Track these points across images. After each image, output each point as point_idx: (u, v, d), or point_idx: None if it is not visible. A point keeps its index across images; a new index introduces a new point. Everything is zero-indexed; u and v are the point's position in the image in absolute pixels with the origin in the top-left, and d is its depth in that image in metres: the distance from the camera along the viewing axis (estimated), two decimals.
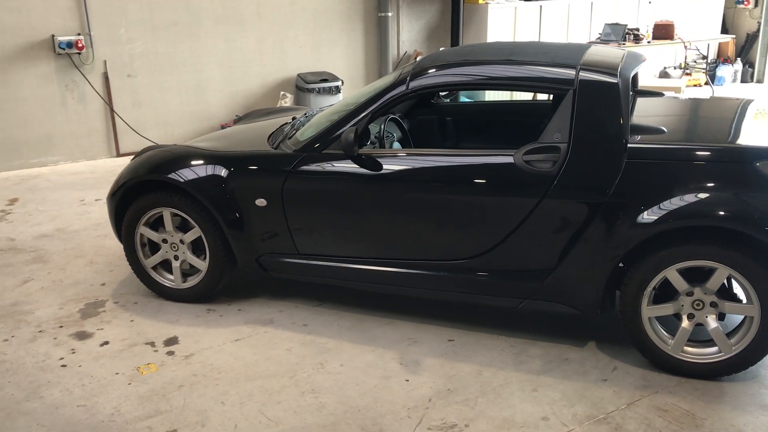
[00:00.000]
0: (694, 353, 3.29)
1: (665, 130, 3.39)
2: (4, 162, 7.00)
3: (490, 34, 9.07)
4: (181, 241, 4.03)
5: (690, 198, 3.11)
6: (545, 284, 3.42)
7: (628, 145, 3.25)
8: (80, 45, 7.02)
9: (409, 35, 9.14)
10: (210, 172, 3.89)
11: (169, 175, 3.89)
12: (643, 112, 3.82)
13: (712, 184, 3.11)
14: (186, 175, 3.89)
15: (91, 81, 7.26)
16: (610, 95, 3.32)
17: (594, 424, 2.99)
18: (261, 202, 3.82)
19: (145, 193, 4.03)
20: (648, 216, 3.15)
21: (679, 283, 3.20)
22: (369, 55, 8.86)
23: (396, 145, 4.12)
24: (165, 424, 3.03)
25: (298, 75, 8.24)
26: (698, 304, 3.24)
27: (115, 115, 7.47)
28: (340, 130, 3.69)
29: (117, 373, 3.43)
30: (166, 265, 4.16)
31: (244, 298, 4.20)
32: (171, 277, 4.15)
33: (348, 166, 3.66)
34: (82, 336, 3.80)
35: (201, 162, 3.93)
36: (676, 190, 3.15)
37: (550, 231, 3.36)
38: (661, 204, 3.14)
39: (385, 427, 2.99)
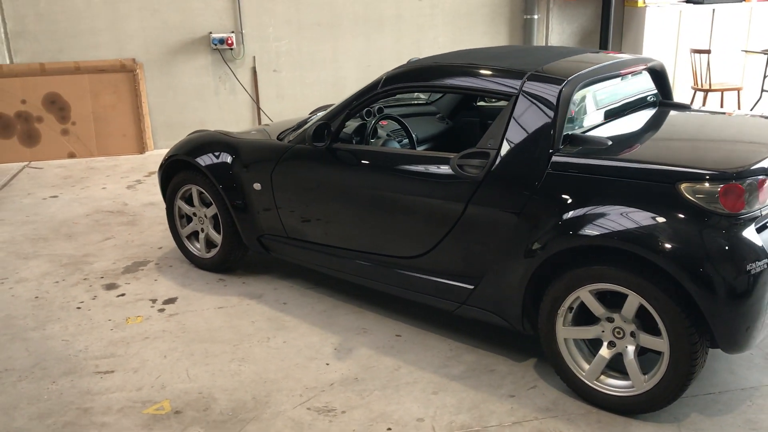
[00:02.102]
0: (608, 384, 3.06)
1: (609, 143, 3.17)
2: (164, 140, 8.14)
3: (647, 38, 8.53)
4: (205, 216, 4.55)
5: (599, 217, 2.92)
6: (477, 291, 3.39)
7: (553, 157, 3.11)
8: (230, 42, 7.92)
9: (559, 38, 8.90)
10: (222, 159, 4.36)
11: (196, 159, 4.42)
12: (631, 125, 3.56)
13: (625, 204, 2.89)
14: (206, 159, 4.39)
15: (241, 74, 8.16)
16: (544, 105, 3.19)
17: None
18: (257, 186, 4.20)
19: (181, 170, 4.61)
20: (557, 232, 3.00)
21: (595, 306, 3.01)
22: None
23: (393, 143, 4.25)
24: (110, 365, 3.55)
25: None
26: (619, 332, 3.02)
27: (259, 105, 8.31)
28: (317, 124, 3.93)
29: (109, 320, 4.04)
30: (198, 236, 4.72)
31: (256, 273, 4.61)
32: (198, 246, 4.70)
33: (318, 159, 3.91)
34: (110, 287, 4.48)
35: (218, 148, 4.41)
36: (588, 207, 2.97)
37: (477, 238, 3.32)
38: (571, 220, 2.98)
39: (273, 400, 3.22)
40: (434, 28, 8.51)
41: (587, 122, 3.43)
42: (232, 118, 8.29)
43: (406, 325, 3.87)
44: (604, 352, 3.05)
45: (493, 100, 4.49)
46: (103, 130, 7.95)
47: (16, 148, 7.81)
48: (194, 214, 4.63)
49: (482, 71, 3.49)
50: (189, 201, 4.66)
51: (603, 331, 3.05)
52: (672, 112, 3.82)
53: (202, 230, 4.62)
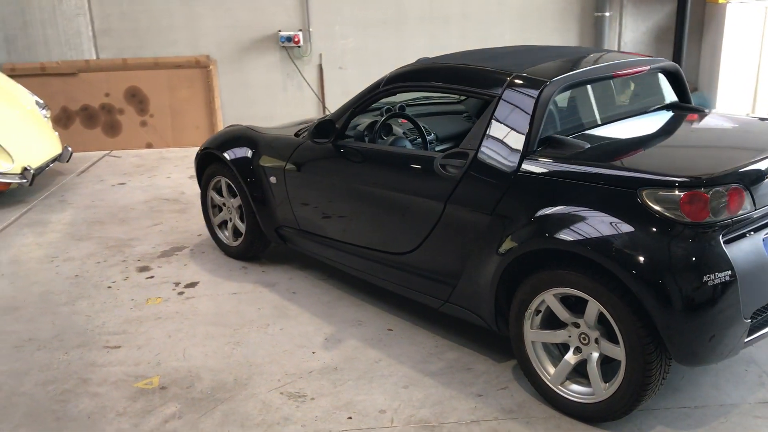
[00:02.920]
0: (572, 390, 3.03)
1: (586, 146, 3.12)
2: None
3: (727, 39, 8.11)
4: (232, 206, 4.80)
5: (561, 220, 2.89)
6: (457, 289, 3.43)
7: (525, 160, 3.10)
8: (296, 39, 8.19)
9: (633, 36, 8.61)
10: (245, 153, 4.57)
11: (223, 152, 4.66)
12: (623, 129, 3.47)
13: (588, 209, 2.85)
14: (232, 153, 4.62)
15: (308, 71, 8.42)
16: (522, 107, 3.18)
17: (420, 428, 3.01)
18: (273, 179, 4.39)
19: (213, 162, 4.87)
20: (522, 234, 3.00)
21: (559, 310, 2.99)
22: None
23: (404, 142, 4.31)
24: (119, 341, 3.84)
25: None
26: (584, 338, 2.98)
27: (325, 101, 8.54)
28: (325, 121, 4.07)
29: (132, 300, 4.34)
30: (227, 225, 4.97)
31: (276, 263, 4.81)
32: (227, 235, 4.95)
33: (323, 155, 4.05)
34: (143, 269, 4.81)
35: (242, 143, 4.62)
36: (553, 211, 2.95)
37: (455, 237, 3.36)
38: (535, 223, 2.97)
39: (252, 382, 3.39)
40: (500, 25, 8.44)
41: (574, 124, 3.39)
42: (299, 114, 8.55)
43: (399, 320, 3.94)
44: (570, 357, 3.02)
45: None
46: (179, 123, 8.42)
47: (99, 137, 8.41)
48: (224, 204, 4.88)
49: (472, 72, 3.51)
50: (220, 191, 4.91)
51: (570, 336, 3.02)
52: (677, 116, 3.69)
53: (230, 220, 4.87)
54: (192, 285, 4.52)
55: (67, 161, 7.23)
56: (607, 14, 8.32)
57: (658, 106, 3.82)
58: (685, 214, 2.67)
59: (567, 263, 2.90)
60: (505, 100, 3.26)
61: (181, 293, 4.41)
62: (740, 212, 2.77)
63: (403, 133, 4.31)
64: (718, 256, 2.66)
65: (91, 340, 3.86)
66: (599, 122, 3.51)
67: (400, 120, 4.41)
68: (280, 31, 8.25)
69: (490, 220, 3.16)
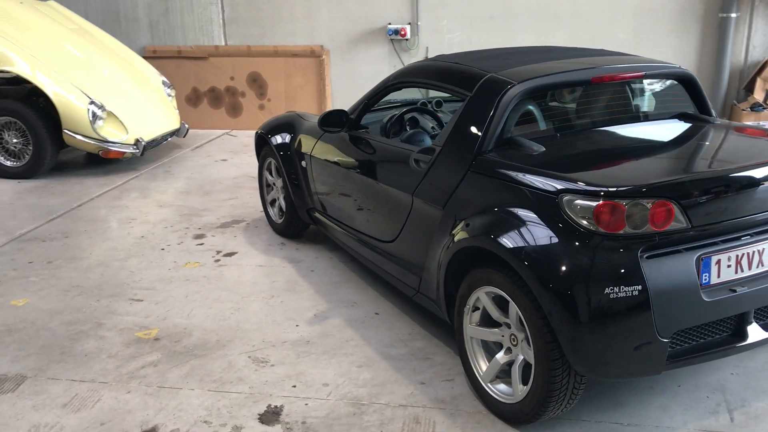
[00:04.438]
0: (498, 388, 3.06)
1: (541, 149, 3.11)
2: None
3: None
4: (278, 186, 5.18)
5: (492, 220, 2.94)
6: (423, 281, 3.55)
7: (476, 159, 3.16)
8: (403, 32, 8.43)
9: (764, 40, 7.95)
10: (286, 138, 4.92)
11: (270, 136, 5.05)
12: (597, 134, 3.40)
13: (514, 211, 2.87)
14: (277, 138, 4.99)
15: None
16: (484, 107, 3.23)
17: (349, 404, 3.19)
18: (303, 163, 4.71)
19: (266, 144, 5.27)
20: (460, 231, 3.07)
21: (491, 309, 3.03)
22: (704, 60, 8.07)
23: (421, 137, 4.43)
24: (144, 295, 4.34)
25: None
26: (514, 339, 3.01)
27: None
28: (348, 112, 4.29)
29: (174, 262, 4.85)
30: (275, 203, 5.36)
31: (313, 242, 5.12)
32: (274, 212, 5.34)
33: (336, 143, 4.30)
34: (198, 236, 5.32)
35: (286, 129, 4.97)
36: (489, 210, 2.99)
37: (421, 229, 3.48)
38: (472, 220, 3.03)
39: (231, 344, 3.72)
40: (613, 24, 8.14)
41: (545, 126, 3.37)
42: None
43: (390, 305, 4.10)
44: (501, 356, 3.05)
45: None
46: (292, 108, 8.98)
47: (223, 117, 9.18)
48: (273, 184, 5.27)
49: (456, 72, 3.59)
50: (271, 172, 5.31)
51: (503, 336, 3.05)
52: (674, 125, 3.53)
53: (277, 199, 5.25)
54: (230, 254, 4.95)
55: (184, 136, 8.01)
56: (734, 15, 7.76)
57: (666, 114, 3.67)
58: (598, 224, 2.63)
59: (495, 263, 2.94)
60: (473, 100, 3.32)
61: (217, 260, 4.85)
62: (669, 228, 2.66)
63: (432, 127, 4.44)
64: (627, 270, 2.59)
65: (122, 291, 4.39)
66: (585, 126, 3.46)
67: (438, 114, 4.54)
68: (389, 24, 8.53)
69: (443, 215, 3.26)
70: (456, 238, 3.07)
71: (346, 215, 4.28)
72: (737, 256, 2.78)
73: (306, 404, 3.19)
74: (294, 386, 3.33)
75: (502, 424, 3.02)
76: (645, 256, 2.63)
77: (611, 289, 2.56)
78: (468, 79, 3.43)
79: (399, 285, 3.81)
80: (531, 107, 3.44)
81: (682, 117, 3.64)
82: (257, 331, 3.86)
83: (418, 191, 3.44)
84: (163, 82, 8.01)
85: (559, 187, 2.75)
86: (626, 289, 2.57)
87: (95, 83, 7.08)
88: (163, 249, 5.08)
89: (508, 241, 2.79)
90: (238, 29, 8.99)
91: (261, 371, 3.46)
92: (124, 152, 7.04)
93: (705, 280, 2.73)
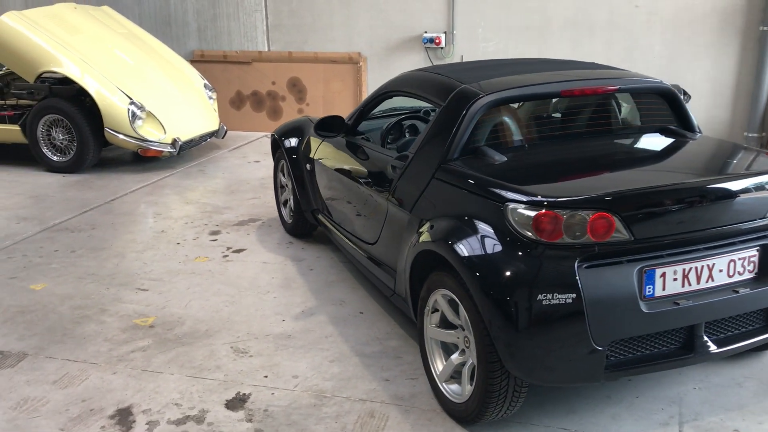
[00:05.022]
0: (450, 388, 3.17)
1: (503, 159, 3.21)
2: None
3: None
4: (288, 187, 5.39)
5: (446, 225, 3.05)
6: (396, 283, 3.68)
7: (442, 165, 3.28)
8: (438, 41, 8.55)
9: None
10: (295, 141, 5.13)
11: (283, 140, 5.27)
12: (563, 146, 3.47)
13: (468, 217, 2.98)
14: (288, 141, 5.20)
15: None
16: (453, 116, 3.35)
17: (313, 396, 3.35)
18: (308, 166, 4.90)
19: (279, 147, 5.50)
20: (422, 236, 3.19)
21: (447, 311, 3.15)
22: (743, 75, 7.89)
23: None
24: (149, 285, 4.60)
25: None
26: (467, 341, 3.12)
27: None
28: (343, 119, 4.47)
29: (186, 256, 5.12)
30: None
31: (320, 242, 5.30)
32: (285, 212, 5.56)
33: (333, 147, 4.47)
34: (214, 233, 5.59)
35: (296, 133, 5.18)
36: (444, 215, 3.11)
37: (394, 233, 3.61)
38: (430, 225, 3.15)
39: (218, 335, 3.94)
40: (650, 36, 8.06)
41: (518, 137, 3.46)
42: None
43: (376, 305, 4.25)
44: (455, 357, 3.16)
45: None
46: (329, 113, 9.19)
47: (264, 120, 9.49)
48: (286, 185, 5.49)
49: (435, 82, 3.71)
50: (284, 174, 5.52)
51: (458, 338, 3.16)
52: (648, 139, 3.56)
53: (288, 200, 5.46)
54: (239, 251, 5.19)
55: (222, 137, 8.34)
56: None
57: (645, 128, 3.70)
58: (537, 233, 2.72)
59: (448, 267, 3.05)
60: (444, 109, 3.44)
61: (225, 256, 5.10)
62: (610, 239, 2.73)
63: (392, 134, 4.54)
64: (562, 278, 2.66)
65: (132, 281, 4.68)
66: (557, 138, 3.53)
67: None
68: (425, 32, 8.66)
69: (409, 219, 3.39)
70: (418, 242, 3.20)
71: (340, 217, 4.45)
72: (684, 270, 2.82)
73: (272, 393, 3.36)
74: (266, 376, 3.52)
75: (451, 422, 3.12)
76: (584, 265, 2.70)
77: (544, 296, 2.64)
78: (443, 90, 3.55)
79: (380, 285, 3.95)
80: (505, 118, 3.53)
81: (662, 131, 3.66)
82: (244, 323, 4.06)
83: (392, 196, 3.58)
84: (205, 85, 8.36)
85: (505, 196, 2.84)
86: (560, 296, 2.64)
87: (137, 85, 7.47)
88: (178, 243, 5.36)
89: (456, 246, 2.90)
90: (280, 36, 9.28)
91: (239, 361, 3.66)
92: (162, 151, 7.40)
93: (649, 292, 2.77)
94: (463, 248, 2.86)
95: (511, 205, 2.80)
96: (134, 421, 3.17)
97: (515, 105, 3.70)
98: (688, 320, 2.83)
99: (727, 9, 7.74)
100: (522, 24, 8.39)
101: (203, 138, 7.98)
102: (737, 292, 2.88)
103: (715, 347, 2.94)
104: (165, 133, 7.40)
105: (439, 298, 3.13)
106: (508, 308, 2.68)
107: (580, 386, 3.32)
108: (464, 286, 2.88)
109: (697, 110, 7.91)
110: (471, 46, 8.61)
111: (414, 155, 3.49)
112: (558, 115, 3.76)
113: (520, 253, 2.73)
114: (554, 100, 3.85)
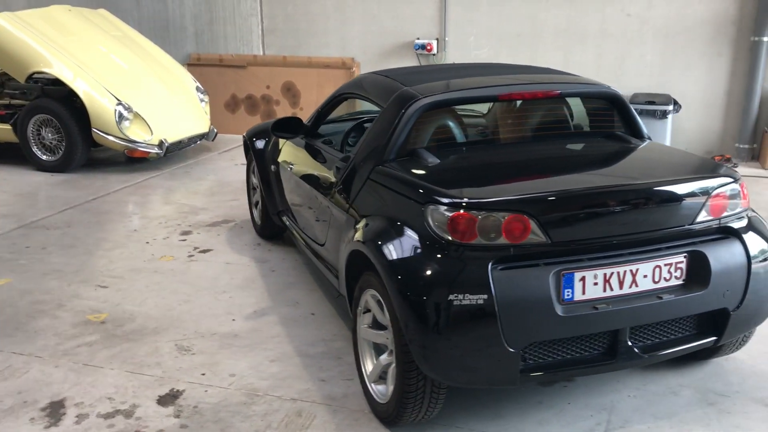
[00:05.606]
0: (377, 389, 3.16)
1: (436, 161, 3.21)
2: None
3: None
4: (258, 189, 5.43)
5: (372, 225, 3.06)
6: (339, 283, 3.68)
7: (377, 166, 3.28)
8: (429, 47, 8.57)
9: None
10: (263, 144, 5.16)
11: (252, 141, 5.30)
12: (501, 149, 3.47)
13: (393, 217, 2.99)
14: (257, 143, 5.23)
15: None
16: (389, 119, 3.36)
17: (245, 394, 3.35)
18: (273, 167, 4.93)
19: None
20: (354, 236, 3.20)
21: (376, 311, 3.14)
22: (735, 84, 7.80)
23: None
24: (110, 283, 4.64)
25: (634, 94, 8.00)
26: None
27: None
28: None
29: (152, 255, 5.16)
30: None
31: (287, 244, 5.32)
32: (256, 214, 5.59)
33: (294, 148, 4.50)
34: (185, 233, 5.62)
35: (264, 135, 5.21)
36: (373, 216, 3.12)
37: (337, 234, 3.62)
38: (362, 226, 3.16)
39: (165, 332, 3.95)
40: (642, 45, 8.00)
41: (460, 140, 3.47)
42: None
43: (329, 307, 4.25)
44: (384, 358, 3.14)
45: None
46: None
47: (258, 123, 9.54)
48: (256, 187, 5.52)
49: (380, 85, 3.72)
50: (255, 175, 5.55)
51: (387, 339, 3.15)
52: (588, 144, 3.54)
53: (258, 201, 5.49)
54: (205, 251, 5.22)
55: (212, 140, 8.41)
56: (766, 39, 7.49)
57: (591, 134, 3.68)
58: (452, 234, 2.71)
59: (374, 267, 3.05)
60: (384, 112, 3.45)
61: (191, 256, 5.13)
62: (525, 242, 2.71)
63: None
64: (474, 279, 2.65)
65: (94, 278, 4.73)
66: (498, 141, 3.53)
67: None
68: (418, 38, 8.68)
69: (346, 219, 3.39)
70: (351, 242, 3.20)
71: (299, 218, 4.47)
72: (606, 274, 2.79)
73: (206, 391, 3.38)
74: (203, 374, 3.53)
75: (377, 423, 3.11)
76: (499, 267, 2.69)
77: (455, 297, 2.63)
78: (386, 93, 3.56)
79: (330, 287, 3.95)
80: (448, 122, 3.53)
81: (608, 137, 3.64)
82: (194, 322, 4.09)
83: (334, 196, 3.59)
84: (197, 88, 8.44)
85: (425, 198, 2.84)
86: (471, 297, 2.63)
87: (126, 86, 7.56)
88: (147, 242, 5.41)
89: (377, 246, 2.90)
90: (275, 40, 9.35)
91: (180, 358, 3.68)
92: (149, 152, 7.47)
93: (568, 296, 2.75)
94: (384, 249, 2.87)
95: (430, 207, 2.79)
96: (64, 414, 3.20)
97: (459, 109, 3.70)
98: (608, 325, 2.80)
99: (719, 19, 7.67)
100: (514, 32, 8.38)
101: (192, 140, 8.05)
102: (661, 298, 2.85)
103: (640, 353, 2.90)
104: (152, 134, 7.47)
105: (369, 298, 3.13)
106: (420, 309, 2.67)
107: (513, 391, 3.30)
108: (385, 285, 2.88)
109: (688, 120, 7.85)
110: (463, 54, 8.61)
111: (354, 156, 3.50)
112: (503, 119, 3.75)
113: (435, 254, 2.72)
114: (500, 104, 3.84)
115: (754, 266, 3.00)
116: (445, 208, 2.74)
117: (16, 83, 7.69)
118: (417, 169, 3.15)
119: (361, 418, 3.15)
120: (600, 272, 2.78)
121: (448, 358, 2.69)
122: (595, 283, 2.78)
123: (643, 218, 2.86)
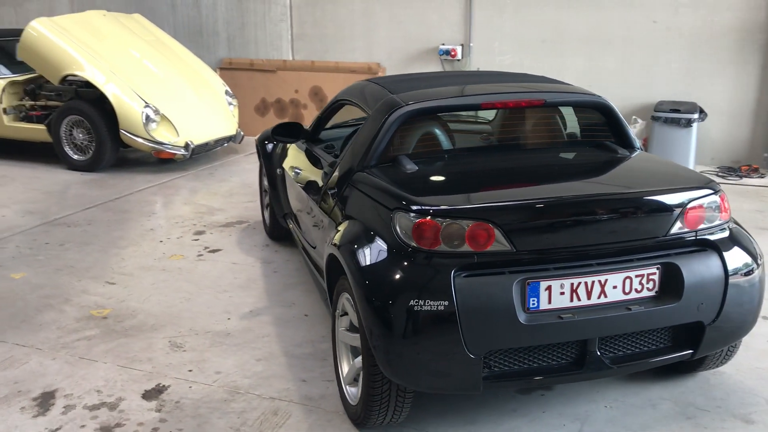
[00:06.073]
0: (350, 391, 3.21)
1: (414, 168, 3.25)
2: None
3: None
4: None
5: (348, 231, 3.12)
6: (327, 287, 3.75)
7: (357, 172, 3.34)
8: (453, 53, 8.59)
9: None
10: (272, 147, 5.28)
11: (264, 144, 5.41)
12: (486, 157, 3.49)
13: (366, 223, 3.04)
14: (267, 147, 5.35)
15: None
16: (372, 126, 3.42)
17: (227, 391, 3.45)
18: (279, 171, 5.03)
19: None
20: (333, 240, 3.26)
21: (352, 314, 3.19)
22: (764, 92, 7.62)
23: None
24: (118, 279, 4.81)
25: (659, 102, 7.89)
26: None
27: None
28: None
29: (163, 253, 5.31)
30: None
31: (294, 245, 5.42)
32: (267, 216, 5.70)
33: (296, 152, 4.60)
34: (198, 233, 5.77)
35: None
36: (349, 220, 3.18)
37: (323, 239, 3.69)
38: (339, 230, 3.22)
39: (162, 329, 4.08)
40: (668, 52, 7.88)
41: (446, 147, 3.51)
42: None
43: (323, 308, 4.31)
44: (358, 361, 3.18)
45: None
46: None
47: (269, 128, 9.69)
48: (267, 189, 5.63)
49: (369, 92, 3.78)
50: None
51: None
52: (574, 153, 3.53)
53: (269, 203, 5.61)
54: (214, 251, 5.36)
55: (239, 143, 8.59)
56: None
57: (579, 143, 3.68)
58: (416, 241, 2.75)
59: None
60: (369, 118, 3.51)
61: (200, 255, 5.27)
62: (489, 249, 2.74)
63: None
64: (436, 286, 2.68)
65: (104, 274, 4.90)
66: (481, 149, 3.55)
67: None
68: (442, 44, 8.71)
69: (328, 223, 3.47)
70: (329, 245, 3.27)
71: (297, 221, 4.56)
72: (573, 284, 2.79)
73: (190, 387, 3.48)
74: (190, 371, 3.64)
75: (349, 425, 3.17)
76: (462, 274, 2.71)
77: (416, 302, 2.67)
78: (373, 100, 3.62)
79: (320, 290, 4.03)
80: (433, 129, 3.57)
81: (598, 147, 3.62)
82: (190, 319, 4.21)
83: (321, 201, 3.66)
84: (226, 92, 8.63)
85: (394, 204, 2.89)
86: (432, 303, 2.66)
87: (155, 89, 7.78)
88: (161, 241, 5.57)
89: (348, 251, 2.97)
90: (304, 45, 9.49)
91: (171, 355, 3.80)
92: (175, 153, 7.67)
93: (533, 304, 2.76)
94: (352, 254, 2.92)
95: (398, 213, 2.84)
96: (53, 404, 3.34)
97: (446, 117, 3.73)
98: (573, 335, 2.80)
99: (748, 26, 7.51)
100: (538, 37, 8.34)
101: (219, 142, 8.23)
102: (630, 309, 2.84)
103: (610, 364, 2.90)
104: (178, 136, 7.67)
105: (345, 301, 3.18)
106: (383, 314, 2.72)
107: (490, 398, 3.32)
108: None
109: (714, 129, 7.71)
110: (487, 59, 8.60)
111: (340, 162, 3.57)
112: (496, 127, 3.77)
113: (399, 261, 2.77)
114: (500, 112, 3.87)
115: (731, 280, 2.96)
116: (412, 214, 2.78)
117: (52, 85, 7.98)
118: (393, 175, 3.19)
119: (334, 419, 3.21)
120: (567, 282, 2.78)
121: (410, 364, 2.73)
122: (562, 293, 2.78)
123: (613, 229, 2.85)
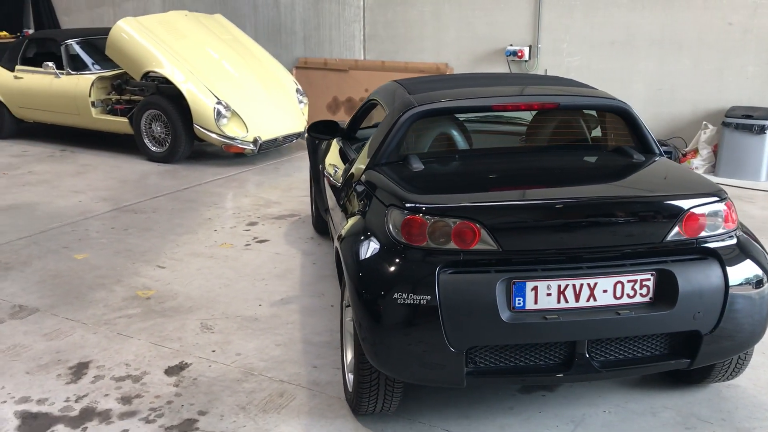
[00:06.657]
0: (350, 379, 3.36)
1: (420, 168, 3.35)
2: None
3: None
4: None
5: (350, 225, 3.26)
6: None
7: (367, 169, 3.48)
8: (521, 54, 8.56)
9: None
10: (317, 144, 5.48)
11: (312, 140, 5.63)
12: (495, 159, 3.54)
13: (362, 218, 3.18)
14: (314, 142, 5.57)
15: None
16: (386, 125, 3.55)
17: (241, 371, 3.66)
18: (321, 166, 5.24)
19: None
20: (338, 234, 3.42)
21: None
22: None
23: None
24: (169, 264, 5.13)
25: (731, 107, 7.61)
26: None
27: None
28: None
29: (214, 241, 5.62)
30: None
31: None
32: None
33: (329, 149, 4.77)
34: (251, 224, 6.06)
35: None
36: (352, 215, 3.32)
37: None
38: (346, 226, 3.36)
39: (197, 311, 4.35)
40: (743, 55, 7.57)
41: (453, 149, 3.59)
42: None
43: None
44: None
45: None
46: None
47: None
48: None
49: (395, 93, 3.90)
50: None
51: None
52: (588, 157, 3.52)
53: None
54: (262, 241, 5.62)
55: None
56: None
57: (597, 147, 3.67)
58: (405, 237, 2.87)
59: None
60: (386, 118, 3.64)
61: (248, 245, 5.54)
62: (475, 248, 2.81)
63: None
64: (420, 280, 2.78)
65: (156, 259, 5.24)
66: (495, 151, 3.61)
67: None
68: (510, 45, 8.70)
69: (341, 217, 3.62)
70: (336, 239, 3.43)
71: (330, 216, 4.74)
72: (560, 286, 2.82)
73: (209, 366, 3.72)
74: (213, 351, 3.88)
75: (347, 410, 3.31)
76: (448, 271, 2.80)
77: (399, 295, 2.78)
78: (392, 100, 3.75)
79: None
80: (449, 130, 3.66)
81: (615, 151, 3.61)
82: (225, 304, 4.46)
83: (340, 196, 3.82)
84: (297, 90, 8.94)
85: (389, 201, 3.01)
86: (414, 296, 2.77)
87: (228, 86, 8.17)
88: (215, 230, 5.89)
89: (345, 246, 3.11)
90: (375, 45, 9.68)
91: (200, 335, 4.06)
92: (244, 148, 8.03)
93: (519, 304, 2.82)
94: (348, 248, 3.06)
95: (391, 210, 2.96)
96: (86, 374, 3.65)
97: (462, 117, 3.80)
98: (557, 336, 2.83)
99: None
100: (607, 39, 8.20)
101: (287, 139, 8.54)
102: (619, 314, 2.84)
103: (598, 368, 2.91)
104: (247, 131, 8.02)
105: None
106: (369, 306, 2.83)
107: (488, 394, 3.38)
108: None
109: None
110: (555, 60, 8.53)
111: (357, 159, 3.72)
112: (515, 130, 3.81)
113: (388, 255, 2.88)
114: (520, 115, 3.91)
115: (733, 290, 2.90)
116: (404, 211, 2.89)
117: (136, 81, 8.51)
118: (399, 174, 3.30)
119: (334, 404, 3.36)
120: (554, 283, 2.81)
121: (395, 355, 2.83)
122: (549, 294, 2.81)
123: (605, 233, 2.86)
